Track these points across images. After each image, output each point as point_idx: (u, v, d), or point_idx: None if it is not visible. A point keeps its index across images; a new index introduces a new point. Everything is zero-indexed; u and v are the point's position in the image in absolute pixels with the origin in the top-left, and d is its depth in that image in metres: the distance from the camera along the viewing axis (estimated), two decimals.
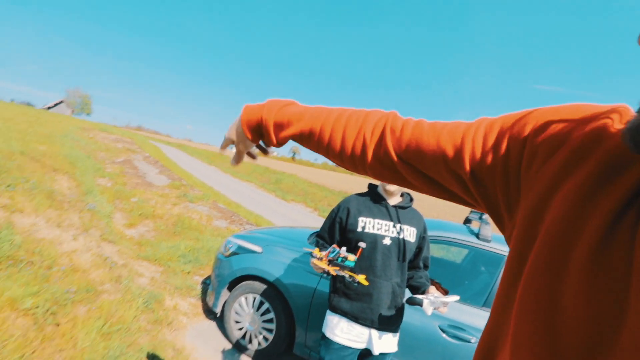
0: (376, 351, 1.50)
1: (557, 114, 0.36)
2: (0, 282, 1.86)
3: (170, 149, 34.59)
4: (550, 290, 0.31)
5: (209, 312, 2.89)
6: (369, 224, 1.58)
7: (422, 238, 1.66)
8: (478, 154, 0.42)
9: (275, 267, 2.46)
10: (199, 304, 3.00)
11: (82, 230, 3.34)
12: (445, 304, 1.39)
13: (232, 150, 0.70)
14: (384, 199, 1.63)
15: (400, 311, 1.58)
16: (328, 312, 1.61)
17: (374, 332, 1.51)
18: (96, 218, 4.00)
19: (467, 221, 3.23)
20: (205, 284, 3.35)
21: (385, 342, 1.53)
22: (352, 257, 1.38)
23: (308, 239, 2.88)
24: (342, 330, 1.51)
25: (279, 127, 0.61)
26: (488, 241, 2.21)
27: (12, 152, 5.05)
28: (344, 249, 1.38)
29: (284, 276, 2.39)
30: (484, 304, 2.06)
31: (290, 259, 2.48)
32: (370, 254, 1.54)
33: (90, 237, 3.26)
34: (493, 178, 0.41)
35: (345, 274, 1.37)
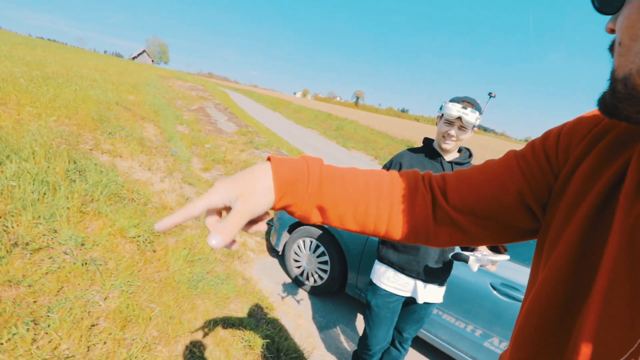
0: (420, 300, 1.58)
1: (580, 119, 0.45)
2: (111, 215, 2.33)
3: (237, 96, 36.16)
4: (554, 244, 0.40)
5: (272, 250, 3.26)
6: None
7: None
8: (529, 168, 0.48)
9: None
10: (264, 242, 3.39)
11: (167, 173, 3.86)
12: (493, 262, 1.34)
13: (213, 221, 0.45)
14: (440, 155, 1.57)
15: (447, 265, 1.60)
16: (376, 261, 1.71)
17: (419, 283, 1.58)
18: (178, 162, 4.56)
19: None
20: (269, 225, 3.72)
21: (430, 293, 1.60)
22: None
23: None
24: (388, 279, 1.61)
25: (319, 210, 0.51)
26: None
27: (109, 102, 5.82)
28: None
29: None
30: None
31: None
32: None
33: (174, 179, 3.77)
34: (547, 183, 0.46)
35: None
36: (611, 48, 0.32)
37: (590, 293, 0.34)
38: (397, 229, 0.53)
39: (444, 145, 1.51)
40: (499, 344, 2.01)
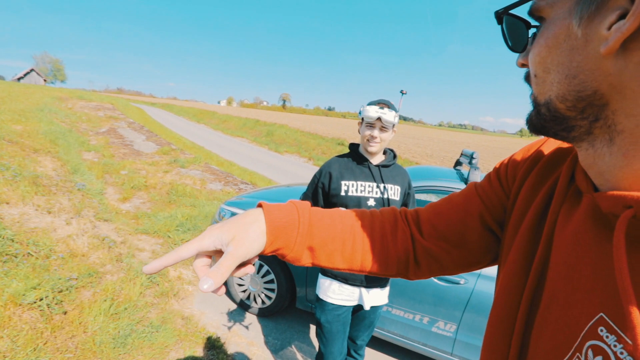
0: (367, 306, 1.58)
1: (524, 148, 0.53)
2: None
3: (155, 111, 33.41)
4: (505, 258, 0.46)
5: None
6: (352, 187, 1.56)
7: (406, 194, 1.65)
8: (486, 194, 0.55)
9: None
10: None
11: (74, 212, 3.33)
12: None
13: (202, 265, 0.46)
14: (366, 159, 1.59)
15: None
16: (320, 275, 1.66)
17: (364, 290, 1.57)
18: (87, 197, 3.98)
19: (458, 164, 3.22)
20: None
21: (376, 297, 1.61)
22: None
23: (301, 198, 2.90)
24: (334, 292, 1.58)
25: (310, 251, 0.53)
26: None
27: None
28: None
29: None
30: None
31: None
32: None
33: (84, 218, 3.26)
34: (501, 204, 0.53)
35: None
36: (527, 78, 0.37)
37: (541, 299, 0.37)
38: (382, 264, 0.57)
39: (369, 148, 1.53)
40: (445, 327, 2.13)
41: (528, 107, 0.38)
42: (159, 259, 0.43)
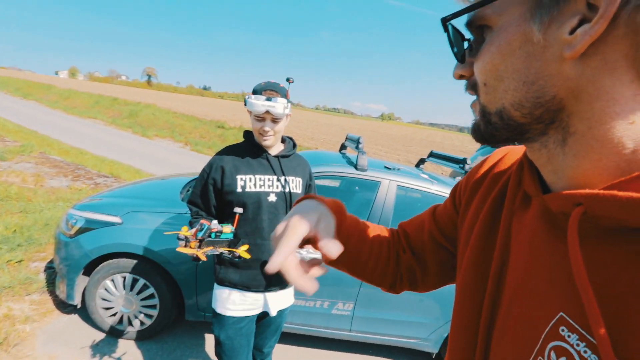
0: (274, 312, 1.44)
1: (480, 163, 0.53)
2: None
3: None
4: (460, 266, 0.46)
5: (64, 306, 2.33)
6: (249, 182, 1.35)
7: (308, 186, 1.55)
8: (441, 211, 0.58)
9: (144, 236, 2.04)
10: (47, 298, 2.37)
11: None
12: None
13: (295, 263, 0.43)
14: (264, 150, 1.40)
15: None
16: (216, 285, 1.43)
17: (269, 295, 1.43)
18: None
19: (343, 147, 3.34)
20: (51, 269, 2.64)
21: (282, 300, 1.49)
22: (227, 229, 1.18)
23: (181, 193, 2.48)
24: (234, 303, 1.38)
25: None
26: (364, 170, 2.31)
27: None
28: (214, 222, 1.16)
29: (158, 244, 2.03)
30: None
31: (161, 222, 2.09)
32: (255, 215, 1.36)
33: None
34: (452, 221, 0.56)
35: (222, 250, 1.18)
36: (470, 88, 0.37)
37: (500, 306, 0.38)
38: (381, 276, 0.60)
39: (263, 143, 1.36)
40: (344, 307, 2.20)
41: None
42: (277, 255, 0.41)
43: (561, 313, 0.29)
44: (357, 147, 2.65)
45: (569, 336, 0.28)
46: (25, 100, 18.04)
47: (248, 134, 1.46)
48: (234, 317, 1.38)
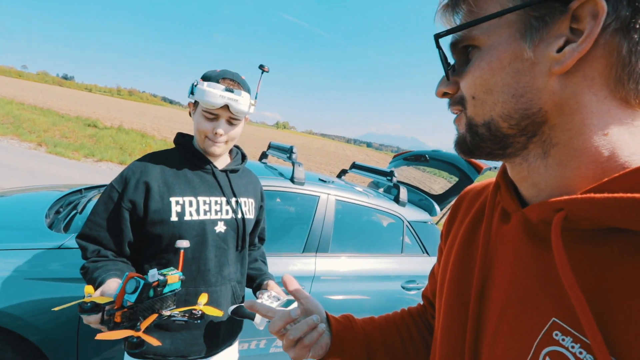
0: None
1: (456, 202, 0.57)
2: None
3: None
4: (445, 269, 0.49)
5: None
6: (189, 207, 0.96)
7: (260, 208, 1.22)
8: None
9: None
10: None
11: None
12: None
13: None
14: (207, 160, 1.03)
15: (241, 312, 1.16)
16: (128, 358, 0.96)
17: (214, 357, 1.05)
18: None
19: (264, 156, 3.03)
20: None
21: (228, 358, 1.12)
22: (174, 277, 0.75)
23: (47, 217, 1.75)
24: None
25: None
26: (302, 184, 2.08)
27: None
28: (152, 272, 0.71)
29: (9, 299, 1.32)
30: (304, 250, 1.99)
31: (10, 265, 1.38)
32: (198, 253, 0.97)
33: None
34: None
35: (175, 313, 0.76)
36: (459, 103, 0.39)
37: (486, 324, 0.38)
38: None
39: (211, 149, 0.99)
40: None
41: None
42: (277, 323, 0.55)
43: (554, 319, 0.30)
44: (289, 158, 2.40)
45: (563, 340, 0.29)
46: None
47: (183, 138, 1.06)
48: None
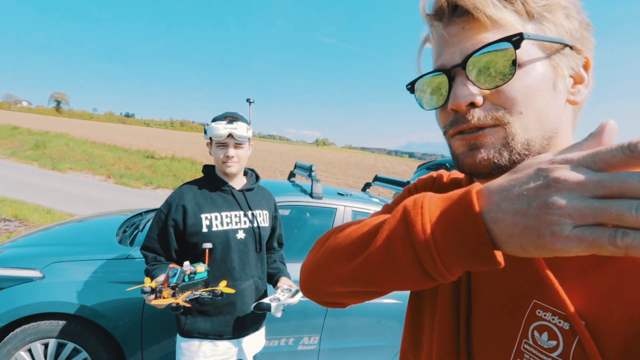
0: (249, 357, 1.33)
1: (422, 180, 0.58)
2: None
3: None
4: (434, 296, 0.48)
5: None
6: (215, 220, 1.26)
7: (274, 218, 1.50)
8: None
9: (72, 291, 1.73)
10: None
11: None
12: (292, 303, 1.32)
13: None
14: (226, 184, 1.33)
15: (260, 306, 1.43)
16: (180, 338, 1.27)
17: (244, 340, 1.32)
18: None
19: (292, 175, 3.34)
20: None
21: (256, 343, 1.39)
22: (201, 268, 1.07)
23: (117, 235, 2.19)
24: (205, 355, 1.24)
25: None
26: (320, 198, 2.33)
27: None
28: (186, 264, 1.05)
29: (91, 298, 1.73)
30: None
31: (92, 272, 1.80)
32: (224, 255, 1.26)
33: None
34: None
35: (202, 292, 1.06)
36: (495, 116, 0.37)
37: (471, 313, 0.42)
38: None
39: (228, 170, 1.30)
40: (309, 341, 2.12)
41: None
42: None
43: (534, 300, 0.35)
44: (309, 175, 2.68)
45: (544, 315, 0.34)
46: None
47: (208, 169, 1.38)
48: None
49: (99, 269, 1.82)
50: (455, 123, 0.39)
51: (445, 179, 0.55)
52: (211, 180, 1.33)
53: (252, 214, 1.35)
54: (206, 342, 1.23)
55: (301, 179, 3.25)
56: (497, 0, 0.36)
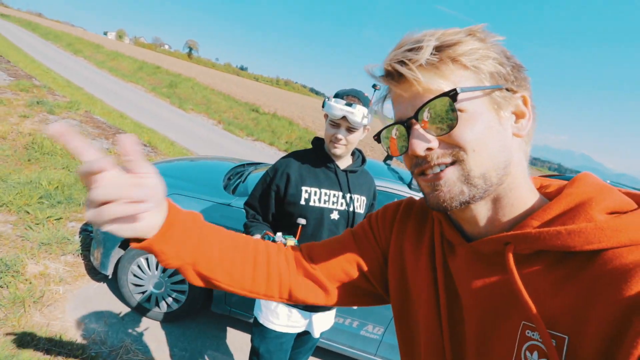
0: (317, 334, 1.36)
1: (387, 206, 0.64)
2: None
3: (7, 25, 25.28)
4: (415, 305, 0.54)
5: (94, 273, 2.35)
6: (314, 196, 1.26)
7: (371, 206, 1.44)
8: (362, 242, 0.65)
9: None
10: (80, 262, 2.40)
11: None
12: None
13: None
14: (333, 162, 1.30)
15: None
16: None
17: (315, 316, 1.35)
18: None
19: (389, 158, 3.19)
20: (87, 231, 2.67)
21: (325, 322, 1.40)
22: (291, 241, 1.07)
23: (223, 181, 2.44)
24: (278, 317, 1.30)
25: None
26: (418, 191, 2.17)
27: None
28: (279, 234, 1.06)
29: None
30: None
31: (200, 210, 2.04)
32: (315, 231, 1.27)
33: None
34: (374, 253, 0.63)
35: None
36: (449, 157, 0.42)
37: (465, 338, 0.45)
38: (268, 286, 0.60)
39: (333, 151, 1.26)
40: (373, 330, 2.10)
41: None
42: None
43: (523, 322, 0.38)
44: None
45: (533, 335, 0.37)
46: (75, 57, 18.79)
47: (317, 141, 1.37)
48: (276, 331, 1.30)
49: (206, 209, 2.06)
50: (419, 164, 0.44)
51: (414, 209, 0.59)
52: (318, 155, 1.32)
53: (350, 197, 1.31)
54: (283, 305, 1.29)
55: (397, 163, 3.09)
56: (431, 67, 0.41)
